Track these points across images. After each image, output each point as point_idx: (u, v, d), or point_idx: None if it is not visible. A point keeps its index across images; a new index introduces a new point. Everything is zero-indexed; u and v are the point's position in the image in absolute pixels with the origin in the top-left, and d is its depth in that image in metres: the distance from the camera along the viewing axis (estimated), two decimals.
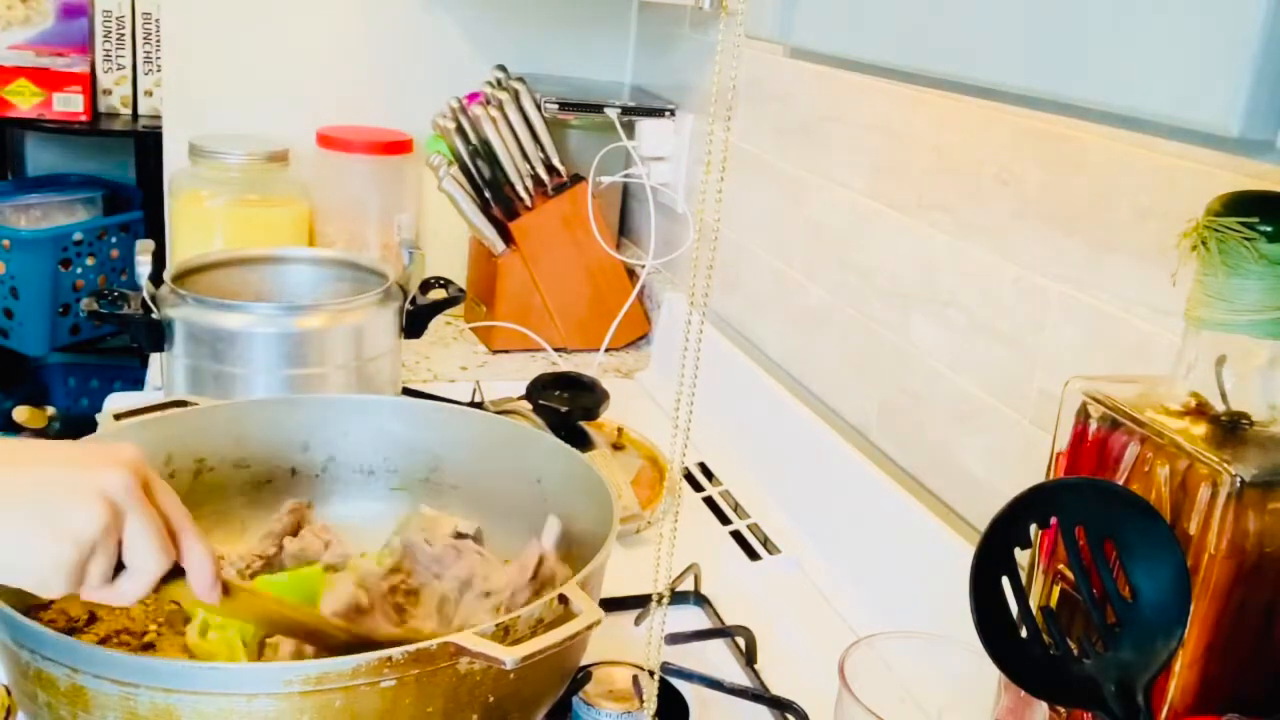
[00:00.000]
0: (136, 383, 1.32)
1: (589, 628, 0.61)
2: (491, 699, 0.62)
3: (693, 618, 0.94)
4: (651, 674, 0.67)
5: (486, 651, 0.58)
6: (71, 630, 0.73)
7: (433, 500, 0.90)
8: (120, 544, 0.57)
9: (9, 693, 0.67)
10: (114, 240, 2.28)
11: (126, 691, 0.56)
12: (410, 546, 0.82)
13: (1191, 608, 0.55)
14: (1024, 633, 0.57)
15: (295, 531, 0.85)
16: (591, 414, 1.18)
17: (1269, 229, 0.54)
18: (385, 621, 0.75)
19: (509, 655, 0.58)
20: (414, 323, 1.20)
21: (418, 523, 0.86)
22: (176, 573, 0.60)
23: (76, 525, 0.55)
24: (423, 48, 1.72)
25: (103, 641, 0.73)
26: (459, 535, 0.84)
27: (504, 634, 0.60)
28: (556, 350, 1.53)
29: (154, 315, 1.09)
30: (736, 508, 1.15)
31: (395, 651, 0.57)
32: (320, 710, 0.57)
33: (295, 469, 0.89)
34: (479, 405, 1.18)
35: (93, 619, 0.74)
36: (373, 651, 0.57)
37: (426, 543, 0.81)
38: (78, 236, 2.21)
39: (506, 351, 1.53)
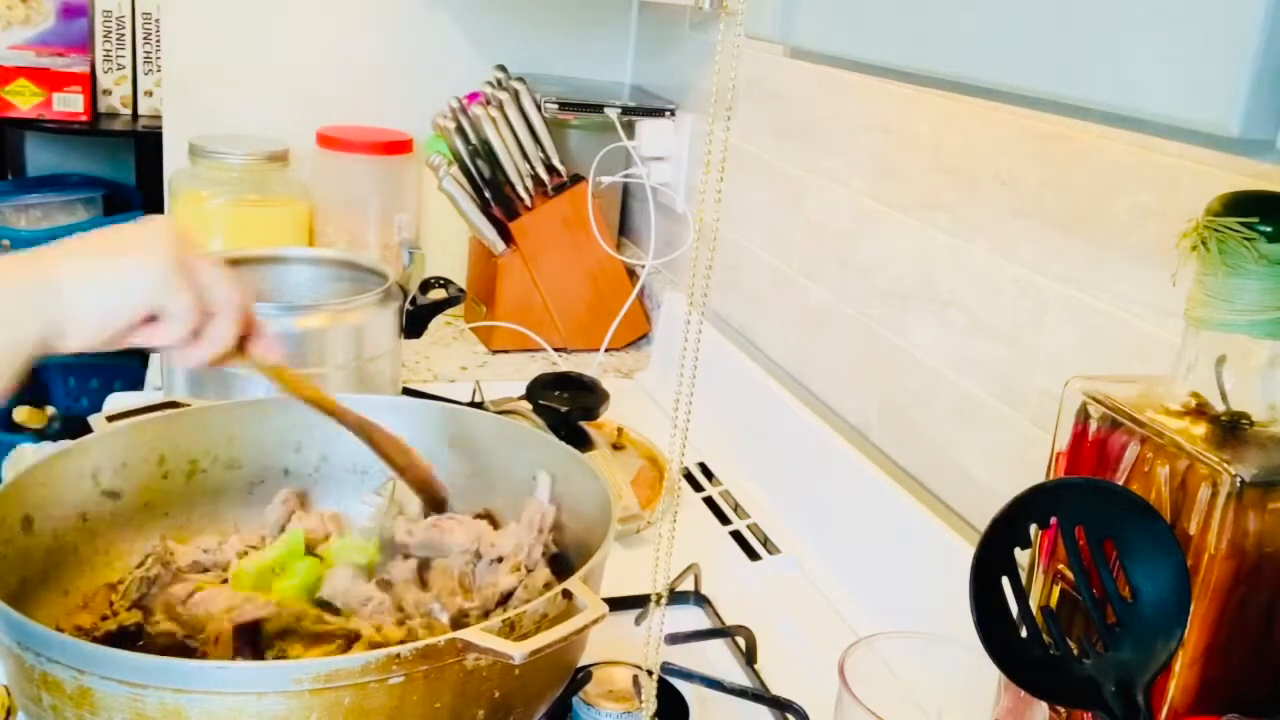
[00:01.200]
0: (136, 383, 1.32)
1: (594, 622, 0.62)
2: (497, 694, 0.62)
3: (693, 618, 0.94)
4: (651, 674, 0.67)
5: (494, 647, 0.58)
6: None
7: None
8: (198, 289, 0.65)
9: (9, 693, 0.67)
10: None
11: (135, 692, 0.56)
12: (394, 545, 0.82)
13: (1191, 608, 0.55)
14: (1024, 633, 0.57)
15: (288, 523, 0.86)
16: (591, 414, 1.18)
17: (1269, 229, 0.54)
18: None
19: (517, 650, 0.58)
20: (414, 323, 1.20)
21: (390, 505, 0.87)
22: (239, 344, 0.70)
23: (151, 281, 0.64)
24: (423, 48, 1.72)
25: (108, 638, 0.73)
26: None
27: (510, 629, 0.61)
28: (556, 350, 1.53)
29: None
30: (736, 508, 1.15)
31: (404, 649, 0.57)
32: (329, 708, 0.57)
33: (288, 469, 0.89)
34: (479, 405, 1.18)
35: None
36: (380, 650, 0.57)
37: (408, 533, 0.82)
38: None
39: (506, 351, 1.53)
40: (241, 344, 0.70)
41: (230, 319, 0.67)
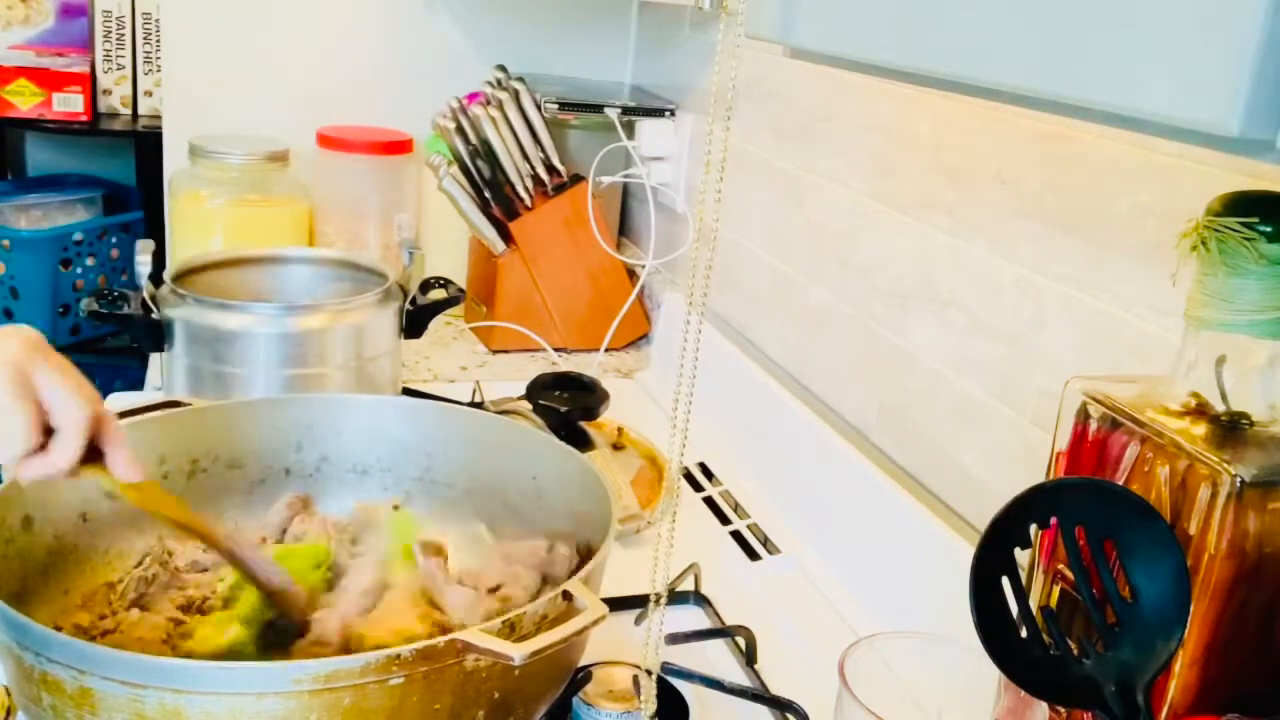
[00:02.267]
0: (136, 383, 1.32)
1: (594, 623, 0.62)
2: (497, 695, 0.62)
3: (693, 618, 0.94)
4: (650, 674, 0.67)
5: (494, 648, 0.58)
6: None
7: (427, 500, 0.90)
8: (38, 406, 0.61)
9: (9, 693, 0.67)
10: (114, 240, 2.28)
11: (134, 693, 0.56)
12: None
13: (1191, 608, 0.55)
14: (1024, 633, 0.57)
15: (290, 525, 0.86)
16: (591, 414, 1.18)
17: (1269, 229, 0.54)
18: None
19: (517, 652, 0.58)
20: (414, 323, 1.20)
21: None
22: (96, 456, 0.65)
23: None
24: (423, 48, 1.72)
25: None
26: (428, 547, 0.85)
27: (509, 630, 0.61)
28: (556, 350, 1.53)
29: (154, 315, 1.09)
30: (736, 508, 1.15)
31: (404, 650, 0.57)
32: (329, 708, 0.57)
33: (289, 469, 0.89)
34: (479, 405, 1.18)
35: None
36: (380, 651, 0.57)
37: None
38: (78, 236, 2.21)
39: (506, 351, 1.53)
40: (97, 457, 0.66)
41: (72, 440, 0.63)
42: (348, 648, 0.72)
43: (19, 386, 0.60)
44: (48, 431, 0.63)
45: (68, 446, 0.63)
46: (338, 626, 0.72)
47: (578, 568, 0.79)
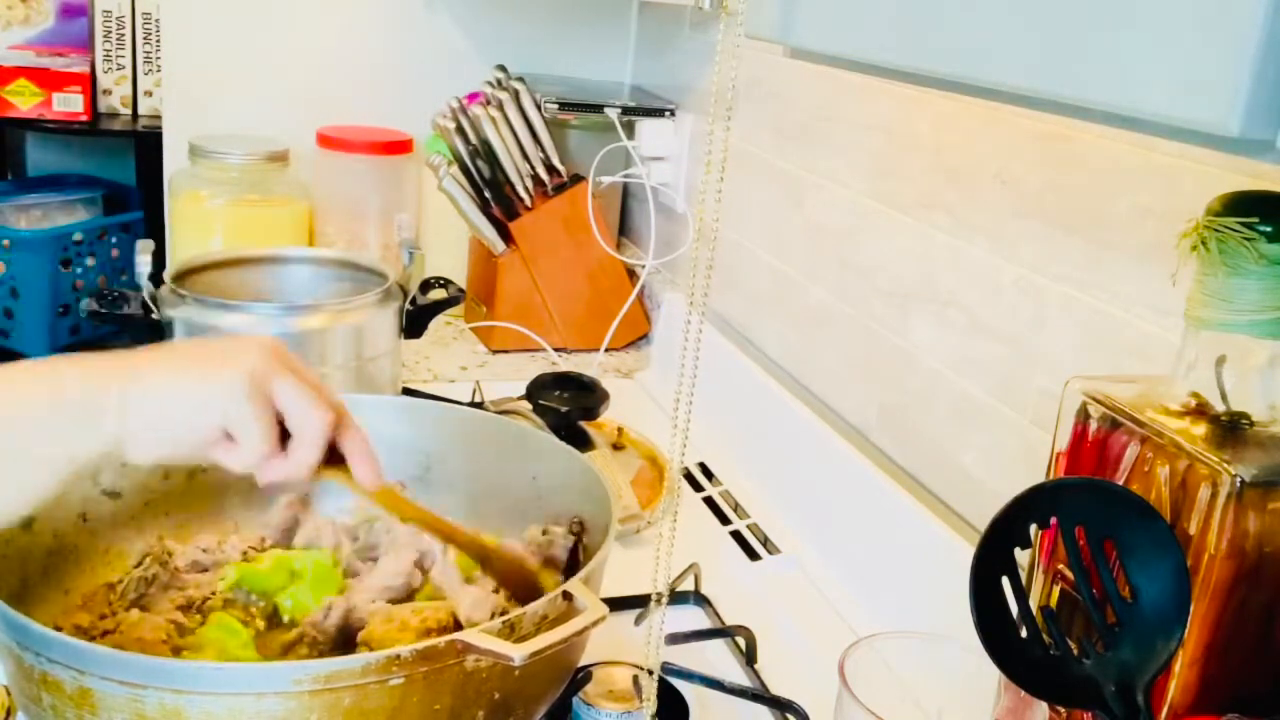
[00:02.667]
0: None
1: (595, 623, 0.62)
2: (497, 695, 0.62)
3: (693, 618, 0.94)
4: (650, 674, 0.67)
5: (494, 649, 0.58)
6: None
7: (427, 500, 0.89)
8: (275, 414, 0.63)
9: (9, 693, 0.67)
10: (114, 240, 2.28)
11: (134, 693, 0.56)
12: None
13: (1191, 608, 0.55)
14: (1024, 633, 0.57)
15: (292, 525, 0.86)
16: (591, 414, 1.18)
17: (1269, 229, 0.54)
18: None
19: (517, 652, 0.58)
20: (414, 323, 1.20)
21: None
22: (336, 459, 0.66)
23: (221, 400, 0.61)
24: (423, 48, 1.72)
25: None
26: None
27: (509, 631, 0.61)
28: (556, 350, 1.53)
29: (154, 315, 1.09)
30: (736, 508, 1.15)
31: (403, 650, 0.57)
32: (329, 709, 0.57)
33: None
34: (479, 405, 1.18)
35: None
36: (380, 651, 0.57)
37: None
38: (78, 236, 2.21)
39: (506, 351, 1.53)
40: (337, 461, 0.67)
41: (309, 447, 0.64)
42: (350, 630, 0.73)
43: (257, 394, 0.62)
44: (287, 437, 0.64)
45: (306, 453, 0.64)
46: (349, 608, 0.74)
47: (574, 545, 0.80)
